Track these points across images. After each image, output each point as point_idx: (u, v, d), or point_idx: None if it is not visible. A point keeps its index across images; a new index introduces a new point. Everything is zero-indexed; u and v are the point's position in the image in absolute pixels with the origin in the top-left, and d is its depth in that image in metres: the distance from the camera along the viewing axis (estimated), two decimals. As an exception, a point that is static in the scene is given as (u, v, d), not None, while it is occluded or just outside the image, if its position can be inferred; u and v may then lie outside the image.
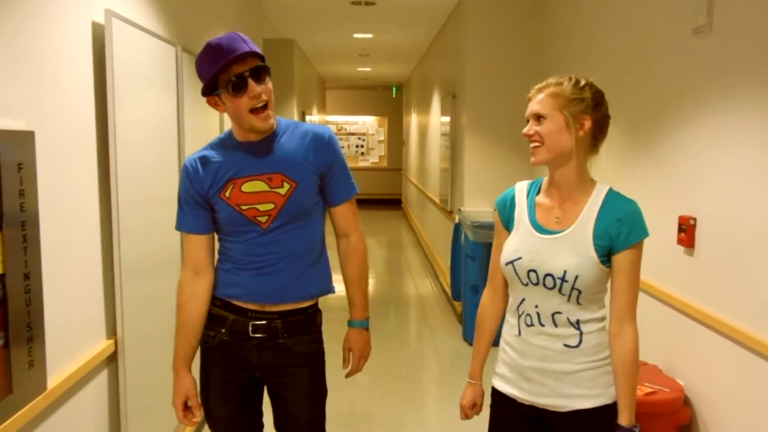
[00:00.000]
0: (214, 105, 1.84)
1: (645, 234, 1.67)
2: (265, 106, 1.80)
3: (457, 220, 5.50)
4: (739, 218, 2.29)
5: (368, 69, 11.78)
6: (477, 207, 5.29)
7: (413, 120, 11.82)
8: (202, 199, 1.89)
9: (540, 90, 1.72)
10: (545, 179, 1.81)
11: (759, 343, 2.15)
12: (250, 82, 1.76)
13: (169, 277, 2.98)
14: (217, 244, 2.03)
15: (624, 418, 1.66)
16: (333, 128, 9.74)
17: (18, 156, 1.75)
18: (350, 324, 2.06)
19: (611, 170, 3.33)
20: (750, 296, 2.22)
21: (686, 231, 2.59)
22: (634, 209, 1.68)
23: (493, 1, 5.21)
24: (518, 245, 1.75)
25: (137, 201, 2.54)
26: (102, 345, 2.30)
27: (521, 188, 1.85)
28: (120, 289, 2.36)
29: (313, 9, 6.46)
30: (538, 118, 1.70)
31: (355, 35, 7.99)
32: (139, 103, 2.58)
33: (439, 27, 7.35)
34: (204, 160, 1.89)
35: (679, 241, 2.65)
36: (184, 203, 1.92)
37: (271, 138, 1.89)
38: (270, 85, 1.82)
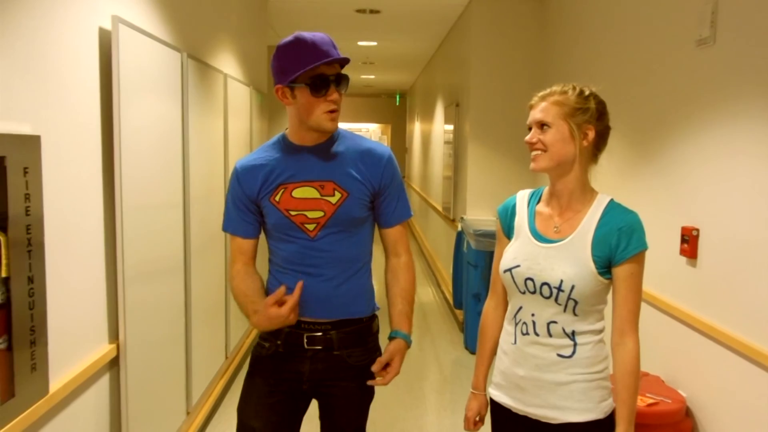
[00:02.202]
0: (281, 97, 1.82)
1: (644, 246, 1.65)
2: (336, 110, 1.81)
3: (459, 229, 5.50)
4: (741, 229, 2.29)
5: (372, 76, 11.81)
6: (479, 215, 5.30)
7: (416, 128, 11.84)
8: (251, 203, 1.89)
9: (543, 98, 1.71)
10: (546, 188, 1.80)
11: (761, 355, 2.14)
12: (332, 87, 1.77)
13: (172, 282, 2.98)
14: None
15: (620, 430, 1.64)
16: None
17: (24, 160, 1.76)
18: (399, 335, 1.92)
19: (614, 180, 3.34)
20: (752, 307, 2.22)
21: (689, 242, 2.59)
22: (634, 220, 1.66)
23: (497, 11, 5.23)
24: (517, 253, 1.75)
25: (141, 206, 2.54)
26: (104, 349, 2.30)
27: (522, 197, 1.84)
28: (123, 293, 2.36)
29: (317, 16, 6.49)
30: (542, 126, 1.69)
31: (360, 43, 8.02)
32: (145, 109, 2.59)
33: (443, 35, 7.37)
34: (256, 163, 1.89)
35: (682, 252, 2.65)
36: (232, 206, 1.92)
37: (326, 144, 1.88)
38: (344, 92, 1.83)
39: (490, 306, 1.90)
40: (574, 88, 1.70)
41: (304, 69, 1.73)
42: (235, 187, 1.91)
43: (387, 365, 1.91)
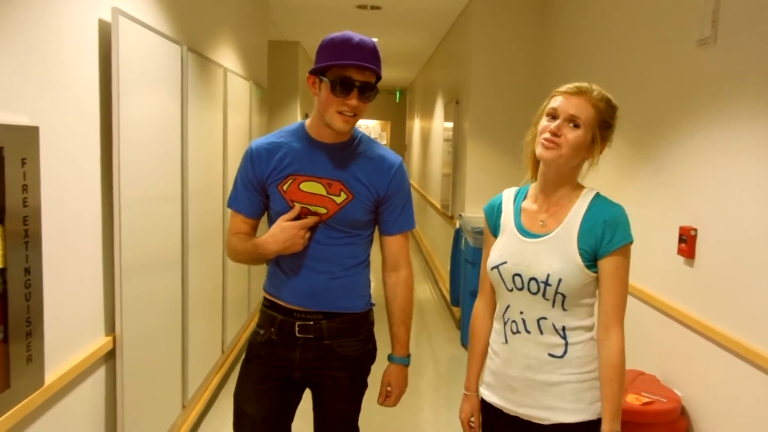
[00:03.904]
0: (311, 84, 1.86)
1: (629, 239, 1.62)
2: (353, 115, 1.82)
3: (457, 226, 5.50)
4: (740, 229, 2.29)
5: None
6: (478, 213, 5.29)
7: (416, 125, 11.83)
8: (258, 185, 1.92)
9: (581, 92, 1.63)
10: (533, 185, 1.78)
11: (757, 356, 2.14)
12: (355, 92, 1.78)
13: (169, 275, 2.98)
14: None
15: (605, 426, 1.61)
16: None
17: (22, 151, 1.75)
18: (392, 359, 2.02)
19: (612, 179, 3.34)
20: (750, 308, 2.22)
21: (687, 242, 2.59)
22: (619, 213, 1.64)
23: (497, 8, 5.22)
24: (503, 250, 1.73)
25: (139, 198, 2.54)
26: (100, 342, 2.30)
27: (509, 194, 1.83)
28: (120, 286, 2.36)
29: (318, 12, 6.48)
30: (572, 121, 1.62)
31: (360, 39, 8.00)
32: (144, 101, 2.58)
33: (444, 33, 7.36)
34: (270, 147, 1.91)
35: (680, 252, 2.65)
36: (240, 184, 1.95)
37: (342, 145, 1.90)
38: (368, 104, 1.84)
39: (479, 306, 1.88)
40: (609, 100, 1.66)
41: (332, 62, 1.77)
42: (246, 167, 1.93)
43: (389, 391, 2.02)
